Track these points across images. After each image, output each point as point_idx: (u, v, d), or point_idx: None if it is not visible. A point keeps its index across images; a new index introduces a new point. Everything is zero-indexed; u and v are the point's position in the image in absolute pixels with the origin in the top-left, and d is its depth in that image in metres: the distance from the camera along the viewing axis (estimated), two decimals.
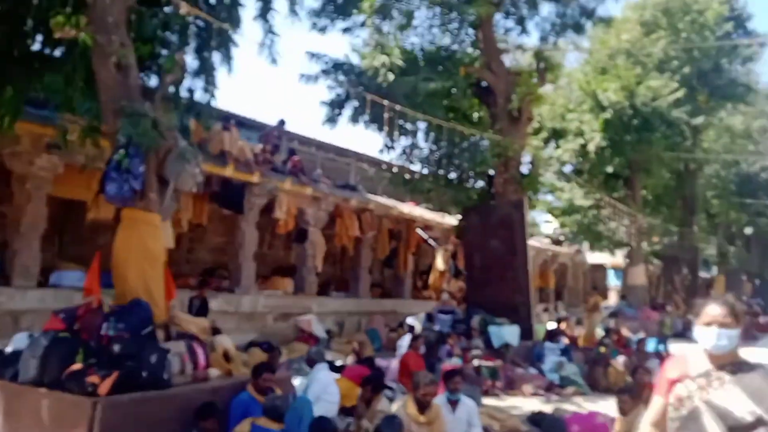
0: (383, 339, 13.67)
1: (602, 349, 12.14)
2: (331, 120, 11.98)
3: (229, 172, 10.79)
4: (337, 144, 18.41)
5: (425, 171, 12.58)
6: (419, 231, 16.30)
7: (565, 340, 13.48)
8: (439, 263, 15.87)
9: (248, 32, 12.70)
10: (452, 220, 15.68)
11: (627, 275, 24.79)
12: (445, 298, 13.62)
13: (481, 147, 11.31)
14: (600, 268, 31.98)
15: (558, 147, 20.24)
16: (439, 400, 6.00)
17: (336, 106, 11.95)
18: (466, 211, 13.30)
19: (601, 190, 20.89)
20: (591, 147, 18.85)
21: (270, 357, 8.52)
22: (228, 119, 11.60)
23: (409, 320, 12.98)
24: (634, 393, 5.56)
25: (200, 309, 10.35)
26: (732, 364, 2.68)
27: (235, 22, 7.43)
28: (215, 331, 9.12)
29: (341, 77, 11.46)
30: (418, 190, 12.87)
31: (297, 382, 8.02)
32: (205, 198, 11.65)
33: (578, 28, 12.67)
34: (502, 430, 7.04)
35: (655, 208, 26.07)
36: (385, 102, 9.32)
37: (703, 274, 34.52)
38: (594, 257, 29.92)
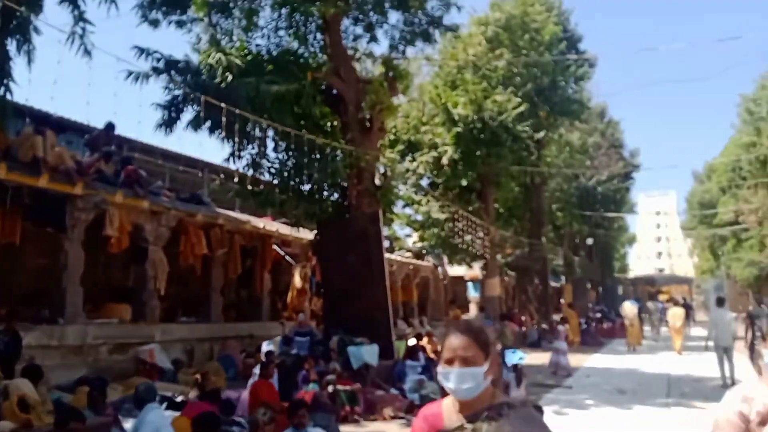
0: (239, 366, 12.60)
1: None
2: (167, 124, 10.82)
3: (43, 182, 9.28)
4: (190, 154, 17.02)
5: (276, 182, 11.77)
6: (276, 247, 15.40)
7: (427, 356, 13.26)
8: (297, 281, 15.07)
9: (59, 20, 11.17)
10: (311, 235, 14.99)
11: (484, 287, 25.51)
12: (301, 318, 12.84)
13: (333, 157, 10.76)
14: (460, 281, 32.73)
15: (414, 160, 20.37)
16: None
17: (172, 109, 10.81)
18: (322, 225, 12.68)
19: (456, 203, 21.30)
20: (445, 160, 19.17)
21: (88, 398, 7.26)
22: (43, 121, 10.04)
23: (265, 345, 12.03)
24: None
25: (10, 345, 8.79)
26: (489, 409, 2.09)
27: (34, 5, 6.25)
28: (31, 370, 7.71)
29: (177, 77, 10.38)
30: (268, 202, 12.02)
31: (128, 425, 6.91)
32: (16, 213, 9.99)
33: (426, 37, 12.62)
34: None
35: (507, 221, 27.22)
36: (223, 105, 8.45)
37: (552, 283, 36.70)
38: (454, 270, 30.61)
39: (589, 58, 23.80)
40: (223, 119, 8.56)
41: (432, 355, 15.67)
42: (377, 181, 12.88)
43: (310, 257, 14.57)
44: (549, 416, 10.14)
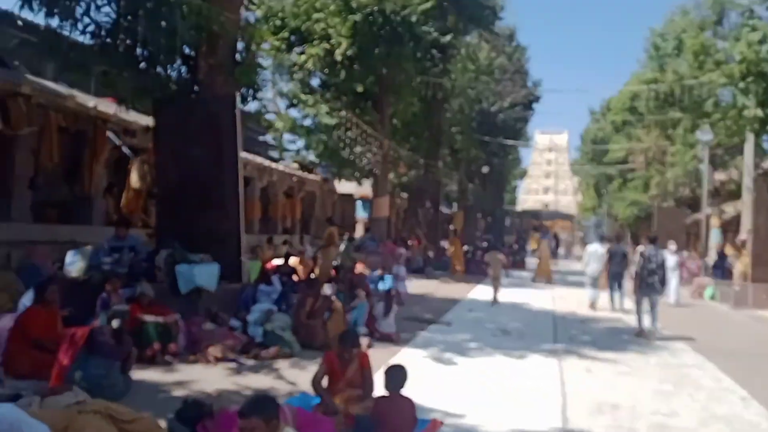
0: None
1: (328, 291, 9.87)
2: None
3: None
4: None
5: (88, 40, 8.58)
6: (111, 135, 12.30)
7: (287, 281, 11.07)
8: (134, 179, 12.15)
9: None
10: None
11: (372, 207, 23.58)
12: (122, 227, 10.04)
13: (172, 9, 7.81)
14: (349, 199, 30.73)
15: (303, 53, 17.46)
16: None
17: None
18: (160, 107, 9.76)
19: (348, 109, 18.78)
20: (338, 54, 16.42)
21: None
22: None
23: (70, 256, 9.26)
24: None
25: None
26: None
27: None
28: None
29: None
30: (75, 65, 8.87)
31: None
32: None
33: None
34: None
35: (404, 138, 25.07)
36: None
37: (444, 209, 35.56)
38: (344, 187, 28.44)
39: None
40: None
41: (302, 277, 13.60)
42: (237, 57, 10.03)
43: (151, 150, 11.64)
44: (425, 364, 8.24)
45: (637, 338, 10.78)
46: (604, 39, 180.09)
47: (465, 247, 25.89)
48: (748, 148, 20.12)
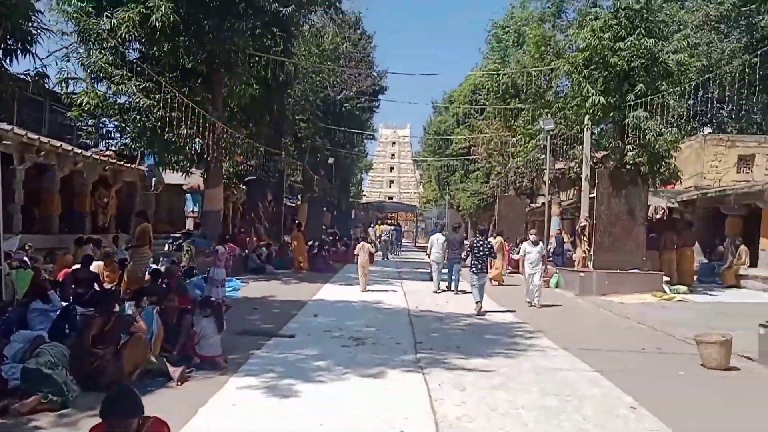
0: None
1: (130, 310, 7.58)
2: None
3: None
4: None
5: None
6: None
7: (72, 293, 8.54)
8: None
9: None
10: None
11: (204, 199, 20.91)
12: None
13: None
14: (177, 190, 27.44)
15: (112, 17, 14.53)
16: None
17: None
18: None
19: (174, 86, 16.08)
20: (156, 21, 13.76)
21: None
22: None
23: None
24: None
25: None
26: None
27: None
28: None
29: None
30: None
31: None
32: None
33: None
34: None
35: (241, 123, 22.58)
36: None
37: (287, 201, 33.41)
38: (171, 177, 25.17)
39: None
40: None
41: (107, 286, 11.04)
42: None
43: None
44: (258, 400, 5.68)
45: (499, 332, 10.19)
46: (447, 31, 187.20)
47: (310, 242, 24.21)
48: (587, 136, 20.46)
